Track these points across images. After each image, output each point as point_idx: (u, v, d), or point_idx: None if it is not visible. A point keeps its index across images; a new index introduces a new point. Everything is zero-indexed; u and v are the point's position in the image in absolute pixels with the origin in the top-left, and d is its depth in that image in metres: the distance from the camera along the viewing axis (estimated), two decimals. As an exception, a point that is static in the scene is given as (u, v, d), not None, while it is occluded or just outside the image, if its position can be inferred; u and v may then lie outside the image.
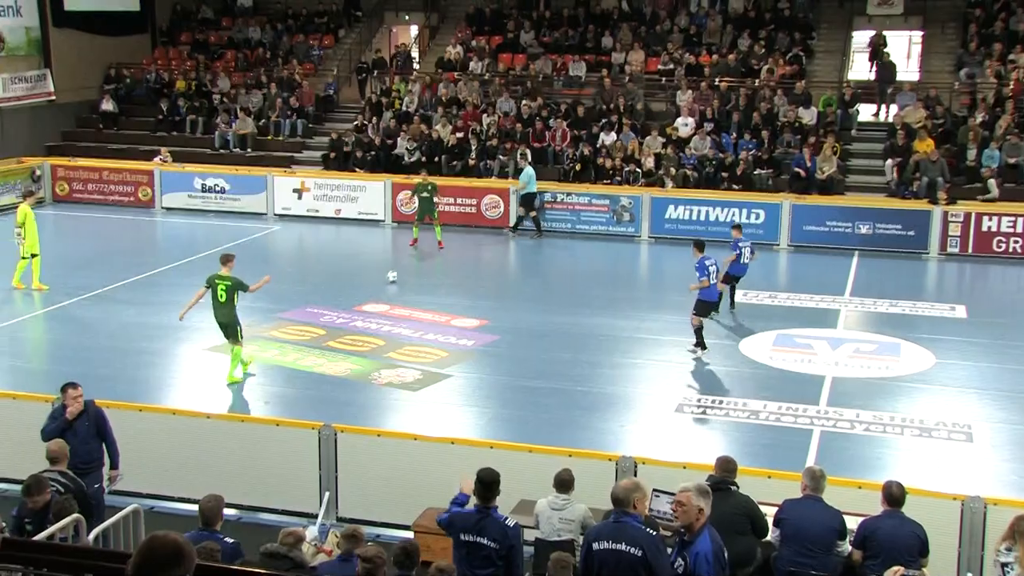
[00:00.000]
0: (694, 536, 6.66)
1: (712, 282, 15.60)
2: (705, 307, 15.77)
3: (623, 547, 6.82)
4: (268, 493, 10.65)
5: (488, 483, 7.72)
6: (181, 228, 25.22)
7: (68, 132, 30.18)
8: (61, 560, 4.48)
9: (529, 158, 25.11)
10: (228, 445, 10.83)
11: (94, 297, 18.56)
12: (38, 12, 29.04)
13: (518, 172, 25.67)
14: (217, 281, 14.01)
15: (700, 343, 15.54)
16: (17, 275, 18.79)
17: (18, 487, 8.76)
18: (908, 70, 30.85)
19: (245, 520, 10.42)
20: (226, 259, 14.32)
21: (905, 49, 32.82)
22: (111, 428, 9.89)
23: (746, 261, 17.79)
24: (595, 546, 6.90)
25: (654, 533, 7.03)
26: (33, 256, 18.77)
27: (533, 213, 23.87)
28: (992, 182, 22.96)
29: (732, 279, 17.72)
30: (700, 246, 15.93)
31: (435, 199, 22.76)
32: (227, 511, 8.14)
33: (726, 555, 6.75)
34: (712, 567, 6.58)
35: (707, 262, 15.53)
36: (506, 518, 7.76)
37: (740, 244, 17.80)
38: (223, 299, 13.95)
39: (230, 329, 14.16)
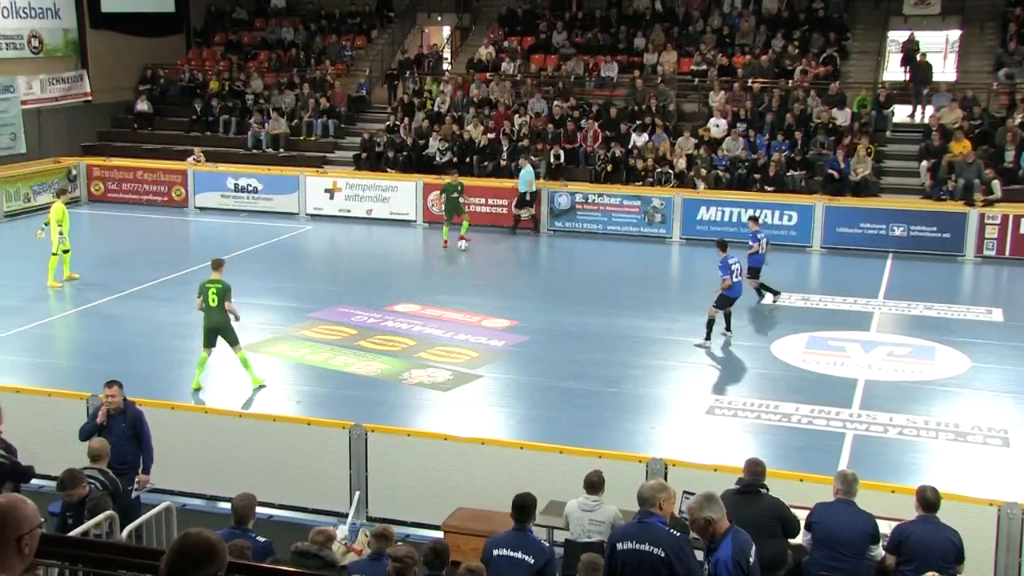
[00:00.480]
0: (717, 542, 6.62)
1: (735, 280, 15.97)
2: (726, 301, 16.10)
3: (646, 547, 6.77)
4: (299, 492, 10.69)
5: (522, 507, 7.74)
6: (214, 227, 25.41)
7: (104, 132, 30.50)
8: (95, 556, 4.51)
9: (531, 157, 25.25)
10: (260, 444, 10.89)
11: (128, 295, 18.72)
12: (76, 14, 29.38)
13: (549, 173, 25.69)
14: (208, 285, 13.90)
15: (708, 335, 15.94)
16: (51, 275, 18.99)
17: (54, 483, 8.85)
18: (945, 71, 30.52)
19: (276, 519, 10.47)
20: (217, 264, 14.30)
21: (942, 49, 32.47)
22: (149, 431, 9.88)
23: (763, 251, 18.14)
24: (619, 546, 6.87)
25: (678, 534, 6.99)
26: (66, 252, 19.10)
27: (531, 211, 24.10)
28: (995, 183, 22.65)
29: (754, 271, 17.99)
30: (723, 246, 16.35)
31: (462, 199, 22.78)
32: (258, 510, 8.17)
33: (752, 560, 6.68)
34: (731, 572, 6.52)
35: (730, 260, 16.00)
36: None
37: (758, 236, 18.19)
38: (214, 303, 13.80)
39: (226, 333, 13.94)
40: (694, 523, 6.70)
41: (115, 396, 9.74)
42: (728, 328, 16.41)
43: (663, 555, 6.72)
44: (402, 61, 31.19)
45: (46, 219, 19.37)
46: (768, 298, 18.37)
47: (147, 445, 9.83)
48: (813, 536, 8.15)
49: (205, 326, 13.97)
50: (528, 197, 24.10)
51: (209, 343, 13.96)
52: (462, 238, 22.59)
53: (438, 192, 23.79)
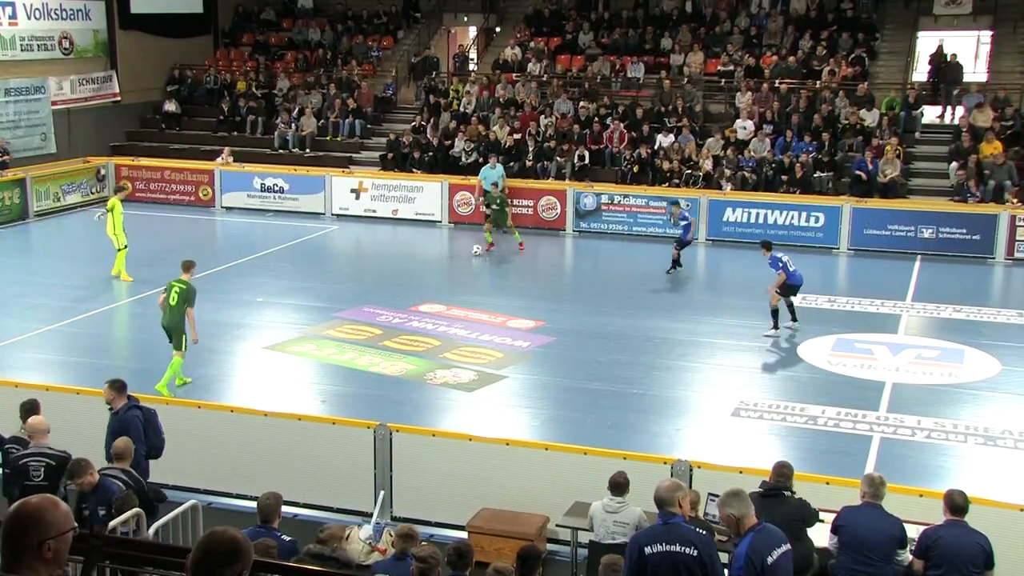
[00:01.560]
0: (741, 538, 6.65)
1: (791, 270, 16.46)
2: (788, 290, 16.57)
3: (677, 548, 6.71)
4: (324, 491, 10.72)
5: (525, 559, 7.42)
6: (240, 227, 25.55)
7: (132, 132, 30.74)
8: (122, 553, 4.54)
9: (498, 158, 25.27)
10: (285, 443, 10.93)
11: (154, 295, 18.83)
12: (106, 15, 29.64)
13: (575, 174, 25.66)
14: (172, 284, 13.86)
15: (776, 324, 16.39)
16: (122, 269, 19.56)
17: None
18: (976, 71, 30.23)
19: (301, 518, 10.50)
20: (188, 265, 14.27)
21: (973, 49, 32.15)
22: (140, 434, 9.51)
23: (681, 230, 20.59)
24: (648, 550, 6.77)
25: (703, 532, 6.96)
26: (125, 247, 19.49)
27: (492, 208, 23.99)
28: (1009, 182, 22.40)
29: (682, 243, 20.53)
30: (768, 246, 17.06)
31: (507, 208, 22.96)
32: (283, 509, 8.19)
33: (771, 561, 6.61)
34: (742, 567, 6.53)
35: (778, 254, 16.68)
36: None
37: (685, 214, 20.63)
38: (174, 303, 13.74)
39: (175, 336, 13.86)
40: (722, 519, 6.80)
41: (110, 396, 9.73)
42: (794, 318, 16.71)
43: (695, 554, 6.67)
44: (418, 63, 30.98)
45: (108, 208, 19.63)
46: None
47: (141, 447, 9.44)
48: (839, 540, 8.09)
49: (161, 324, 14.06)
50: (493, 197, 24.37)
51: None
52: (491, 245, 22.60)
53: (474, 196, 24.16)
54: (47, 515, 3.53)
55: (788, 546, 6.82)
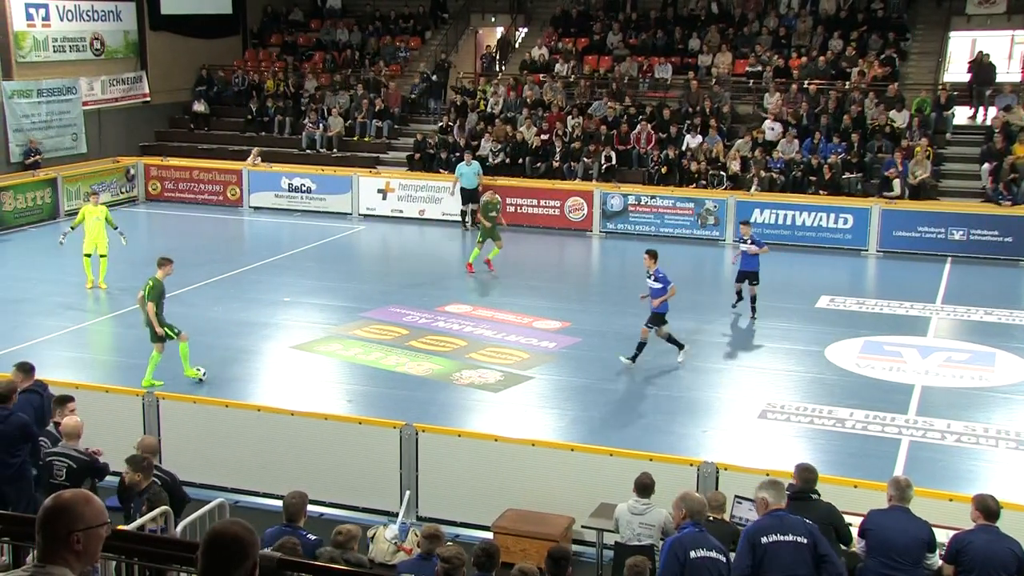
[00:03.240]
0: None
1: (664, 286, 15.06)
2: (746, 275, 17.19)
3: (714, 554, 7.14)
4: (350, 491, 10.75)
5: (556, 559, 7.52)
6: (267, 227, 25.68)
7: (161, 132, 30.98)
8: (150, 551, 4.57)
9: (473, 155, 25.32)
10: (311, 442, 10.96)
11: (183, 294, 18.96)
12: (136, 16, 29.88)
13: (602, 175, 25.61)
14: (149, 280, 13.94)
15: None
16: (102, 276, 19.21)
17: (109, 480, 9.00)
18: (1010, 71, 29.91)
19: (327, 517, 10.53)
20: (162, 262, 14.20)
21: (1007, 49, 31.83)
22: (32, 418, 9.25)
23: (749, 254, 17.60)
24: (692, 554, 7.07)
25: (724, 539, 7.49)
26: (102, 256, 19.07)
27: (472, 207, 24.08)
28: None
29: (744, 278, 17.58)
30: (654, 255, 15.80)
31: (494, 214, 20.56)
32: (309, 508, 8.22)
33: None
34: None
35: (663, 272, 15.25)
36: None
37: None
38: (144, 299, 13.86)
39: (150, 331, 13.94)
40: (756, 500, 7.43)
41: (13, 377, 9.50)
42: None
43: (724, 560, 7.09)
44: (430, 74, 30.51)
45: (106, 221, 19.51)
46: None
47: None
48: (867, 543, 8.01)
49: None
50: (466, 194, 24.47)
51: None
52: (488, 262, 20.54)
53: (479, 206, 22.04)
54: (78, 508, 3.61)
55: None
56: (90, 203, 19.70)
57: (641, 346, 15.05)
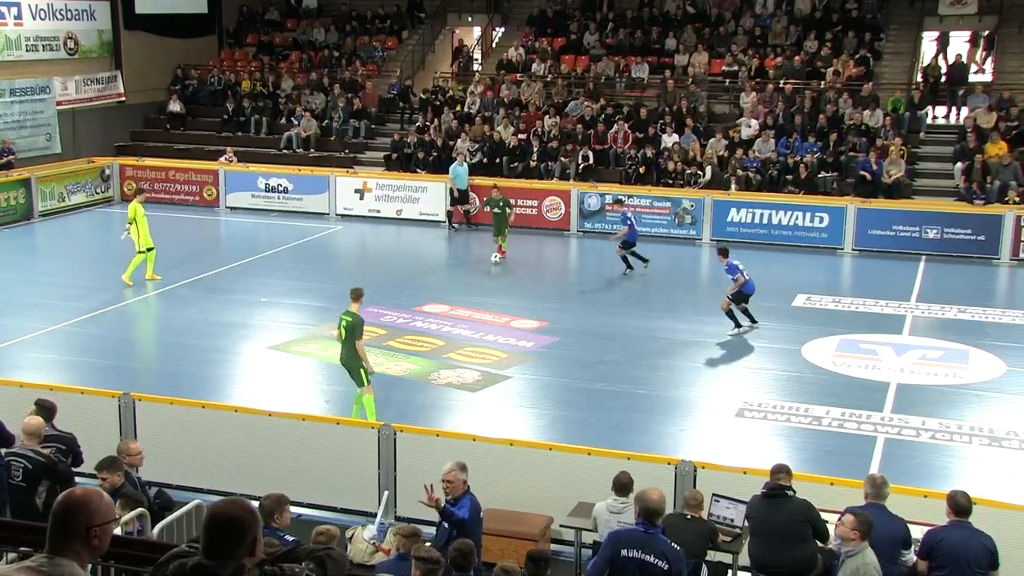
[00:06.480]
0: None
1: (747, 278, 16.55)
2: (742, 297, 16.65)
3: (651, 559, 7.01)
4: (328, 491, 10.72)
5: (537, 560, 7.49)
6: (244, 227, 25.58)
7: (136, 132, 30.78)
8: (127, 553, 4.55)
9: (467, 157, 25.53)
10: (289, 443, 10.93)
11: (159, 294, 18.89)
12: (110, 15, 29.68)
13: (579, 174, 25.64)
14: (346, 316, 12.90)
15: (737, 323, 16.60)
16: (129, 271, 19.16)
17: (87, 481, 8.94)
18: (981, 71, 30.18)
19: (305, 518, 10.49)
20: (358, 294, 13.11)
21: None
22: None
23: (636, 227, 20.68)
24: (624, 552, 7.06)
25: (678, 548, 7.22)
26: (149, 250, 19.19)
27: (468, 207, 24.60)
28: (1014, 183, 22.34)
29: (629, 245, 20.33)
30: (725, 252, 17.00)
31: (508, 213, 21.76)
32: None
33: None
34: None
35: (735, 262, 16.74)
36: None
37: (628, 216, 20.55)
38: (343, 337, 12.76)
39: (360, 372, 12.80)
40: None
41: None
42: (753, 320, 16.68)
43: (666, 568, 6.99)
44: (403, 90, 30.21)
45: (128, 218, 19.44)
46: (639, 266, 20.43)
47: None
48: (843, 540, 8.08)
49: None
50: (459, 194, 24.63)
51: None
52: (501, 251, 21.71)
53: (490, 202, 22.49)
54: (94, 503, 3.80)
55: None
56: (136, 200, 19.65)
57: (731, 314, 16.49)
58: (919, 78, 27.38)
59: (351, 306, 12.84)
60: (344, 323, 12.65)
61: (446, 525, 8.31)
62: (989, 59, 30.22)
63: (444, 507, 8.30)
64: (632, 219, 20.61)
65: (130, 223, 19.18)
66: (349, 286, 15.67)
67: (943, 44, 30.57)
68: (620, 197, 22.59)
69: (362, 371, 12.64)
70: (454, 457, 10.36)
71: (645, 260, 20.51)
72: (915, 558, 7.94)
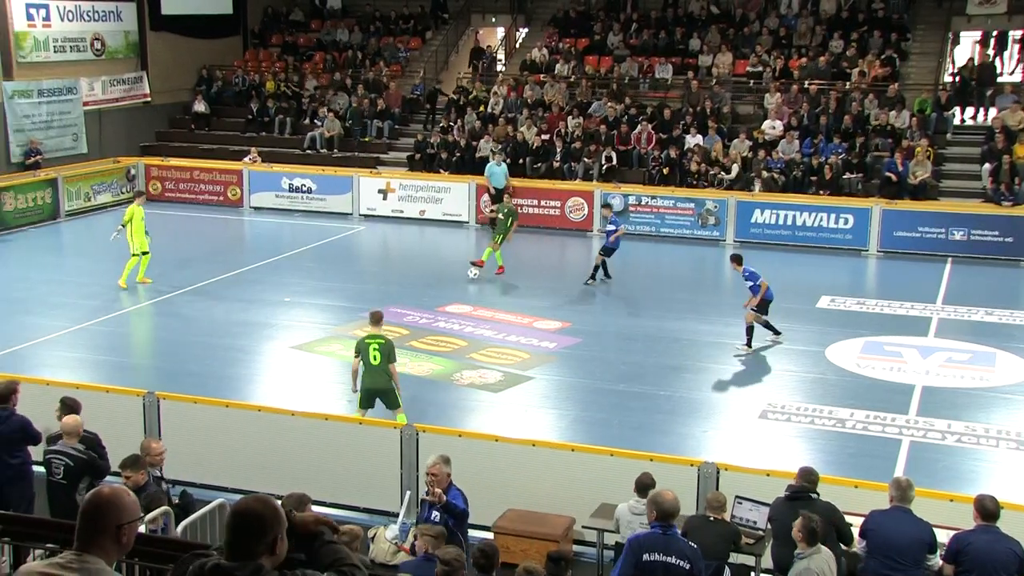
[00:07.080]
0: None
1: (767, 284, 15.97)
2: (765, 304, 15.97)
3: (673, 560, 7.05)
4: (350, 491, 10.74)
5: (556, 560, 7.52)
6: (268, 227, 25.68)
7: (162, 132, 30.97)
8: (151, 551, 4.57)
9: (500, 154, 25.14)
10: (311, 443, 10.96)
11: (184, 294, 18.98)
12: (137, 16, 29.89)
13: (603, 175, 25.60)
14: (368, 341, 12.38)
15: (749, 342, 15.82)
16: (125, 274, 19.10)
17: (114, 480, 8.99)
18: (1011, 72, 29.91)
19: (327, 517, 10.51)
20: (379, 318, 12.89)
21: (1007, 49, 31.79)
22: None
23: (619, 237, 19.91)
24: (645, 557, 7.07)
25: (694, 546, 7.26)
26: (143, 254, 19.06)
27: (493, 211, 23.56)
28: None
29: (608, 251, 19.84)
30: (739, 259, 16.36)
31: (510, 224, 20.64)
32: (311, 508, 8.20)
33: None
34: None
35: (752, 269, 15.99)
36: None
37: (617, 222, 20.50)
38: (376, 361, 12.29)
39: (387, 396, 12.51)
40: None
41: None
42: (776, 332, 16.21)
43: (688, 567, 7.03)
44: (431, 92, 30.09)
45: (122, 220, 19.44)
46: (600, 276, 19.89)
47: None
48: (868, 543, 8.02)
49: (363, 386, 12.34)
50: (496, 193, 24.17)
51: (366, 404, 12.37)
52: (484, 263, 20.45)
53: (499, 207, 21.76)
54: (123, 502, 3.89)
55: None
56: (136, 203, 19.54)
57: (751, 330, 15.73)
58: (948, 78, 27.14)
59: (374, 330, 12.56)
60: (377, 347, 12.18)
61: (436, 517, 8.37)
62: (1015, 59, 29.96)
63: (447, 501, 8.32)
64: (617, 224, 20.33)
65: (124, 224, 19.10)
66: (372, 286, 15.72)
67: (984, 44, 30.26)
68: (609, 202, 22.69)
69: (396, 393, 12.39)
70: (476, 458, 10.40)
71: (608, 276, 19.93)
72: (941, 562, 7.86)
